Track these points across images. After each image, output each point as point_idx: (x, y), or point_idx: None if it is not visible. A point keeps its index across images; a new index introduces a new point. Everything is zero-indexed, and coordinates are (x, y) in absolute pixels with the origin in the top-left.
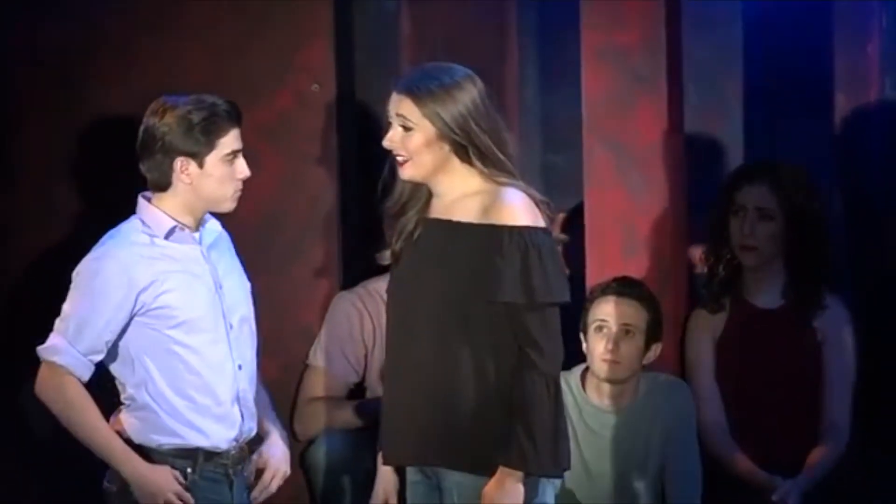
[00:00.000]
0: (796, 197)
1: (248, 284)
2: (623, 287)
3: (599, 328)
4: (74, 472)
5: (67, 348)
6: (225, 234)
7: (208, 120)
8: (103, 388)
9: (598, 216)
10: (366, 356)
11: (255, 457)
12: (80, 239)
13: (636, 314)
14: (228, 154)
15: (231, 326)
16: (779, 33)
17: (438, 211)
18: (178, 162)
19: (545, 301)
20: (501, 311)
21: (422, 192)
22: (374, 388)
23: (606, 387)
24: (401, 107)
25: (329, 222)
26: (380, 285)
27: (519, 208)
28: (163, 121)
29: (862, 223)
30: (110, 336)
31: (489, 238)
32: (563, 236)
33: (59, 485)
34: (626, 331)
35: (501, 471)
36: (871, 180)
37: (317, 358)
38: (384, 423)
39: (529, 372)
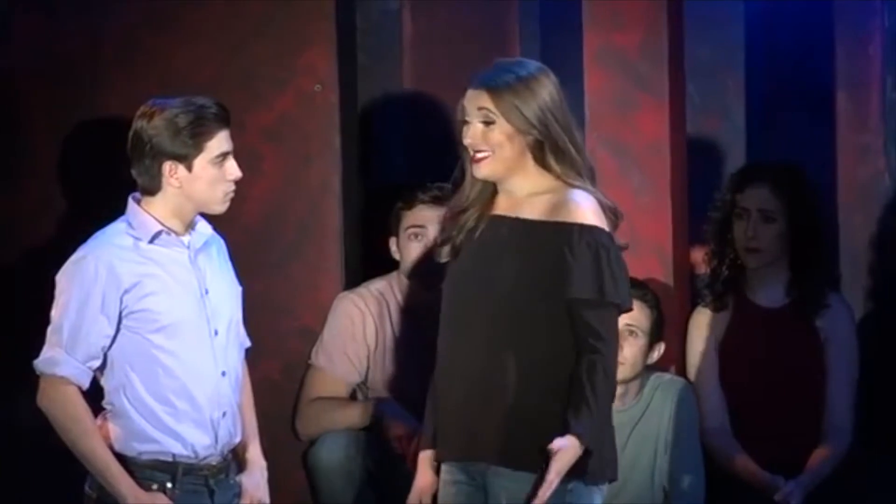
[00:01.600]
0: (798, 198)
1: (238, 289)
2: None
3: None
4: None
5: (66, 358)
6: (217, 238)
7: (196, 123)
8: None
9: None
10: (368, 356)
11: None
12: (83, 241)
13: (639, 314)
14: (217, 156)
15: (216, 332)
16: (780, 34)
17: (504, 208)
18: (167, 165)
19: (612, 301)
20: (562, 311)
21: (487, 191)
22: (376, 388)
23: None
24: (481, 101)
25: (330, 223)
26: (381, 286)
27: (588, 209)
28: (151, 124)
29: (863, 223)
30: (105, 341)
31: (558, 235)
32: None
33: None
34: (629, 331)
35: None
36: (871, 180)
37: (319, 358)
38: (439, 417)
39: (591, 355)
